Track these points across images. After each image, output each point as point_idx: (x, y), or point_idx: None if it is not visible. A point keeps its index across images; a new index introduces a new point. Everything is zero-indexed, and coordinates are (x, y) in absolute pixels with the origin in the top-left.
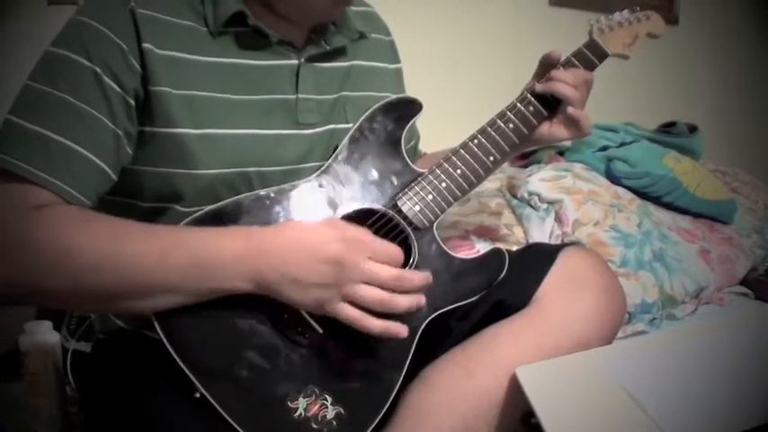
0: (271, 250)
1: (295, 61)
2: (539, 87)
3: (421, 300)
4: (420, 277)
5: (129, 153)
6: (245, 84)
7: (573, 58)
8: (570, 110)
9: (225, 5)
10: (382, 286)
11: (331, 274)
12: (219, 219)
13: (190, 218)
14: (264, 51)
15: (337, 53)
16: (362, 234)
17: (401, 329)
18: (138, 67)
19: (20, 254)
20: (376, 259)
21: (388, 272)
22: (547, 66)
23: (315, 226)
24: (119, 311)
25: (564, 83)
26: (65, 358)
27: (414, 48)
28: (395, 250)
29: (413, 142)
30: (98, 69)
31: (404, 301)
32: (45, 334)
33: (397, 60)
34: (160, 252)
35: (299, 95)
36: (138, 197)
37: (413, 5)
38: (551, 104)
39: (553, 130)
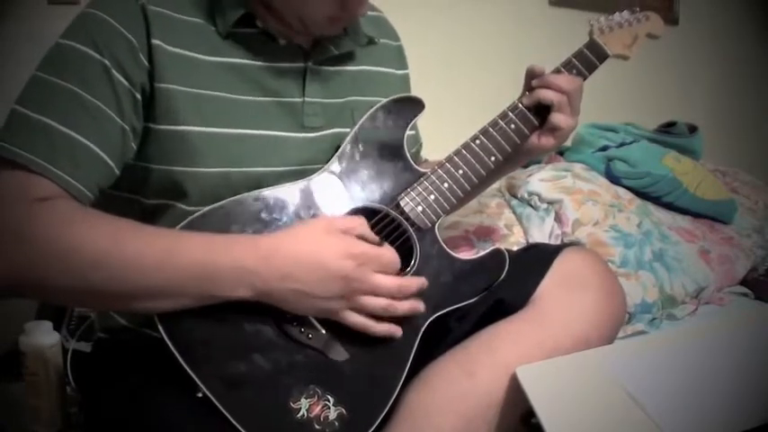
0: (278, 262)
1: (302, 64)
2: (524, 101)
3: (420, 304)
4: (417, 283)
5: (133, 148)
6: (251, 85)
7: (573, 59)
8: (553, 117)
9: (233, 7)
10: (385, 295)
11: (338, 289)
12: (221, 218)
13: (191, 217)
14: (272, 54)
15: (345, 57)
16: (367, 248)
17: (398, 330)
18: (146, 62)
19: (20, 248)
20: (380, 270)
21: (390, 283)
22: (531, 78)
23: (322, 239)
24: (120, 310)
25: (544, 88)
26: (65, 358)
27: (413, 48)
28: (394, 257)
29: (415, 149)
30: (107, 63)
31: (404, 306)
32: (45, 334)
33: (404, 66)
34: (163, 254)
35: (306, 99)
36: (141, 193)
37: (412, 5)
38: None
39: (542, 140)
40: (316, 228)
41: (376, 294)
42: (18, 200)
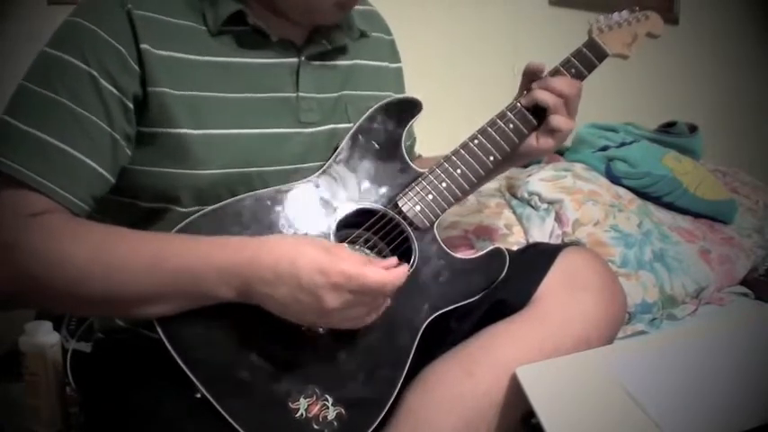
0: (258, 267)
1: (295, 59)
2: (523, 101)
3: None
4: (400, 273)
5: (127, 155)
6: (245, 83)
7: (573, 58)
8: (552, 119)
9: (224, 4)
10: (363, 305)
11: (310, 305)
12: (218, 220)
13: (189, 218)
14: (264, 50)
15: (338, 52)
16: (348, 266)
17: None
18: (136, 68)
19: (14, 263)
20: (357, 291)
21: (364, 297)
22: (530, 77)
23: (303, 250)
24: (116, 317)
25: (543, 90)
26: (65, 358)
27: (413, 48)
28: (377, 280)
29: (408, 143)
30: (95, 73)
31: (385, 305)
32: (45, 334)
33: (397, 60)
34: (150, 259)
35: (300, 94)
36: (138, 197)
37: (412, 5)
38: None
39: (540, 142)
40: (300, 239)
41: (353, 306)
42: (12, 215)
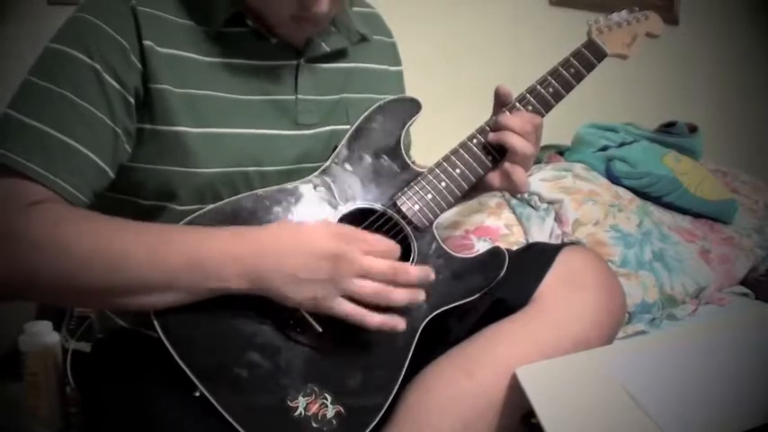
0: (266, 248)
1: (294, 62)
2: (491, 136)
3: (420, 294)
4: (417, 270)
5: (127, 150)
6: (244, 84)
7: (572, 58)
8: (507, 164)
9: (224, 6)
10: (378, 279)
11: (327, 270)
12: (217, 219)
13: (188, 218)
14: (264, 52)
15: (338, 55)
16: (357, 231)
17: (399, 323)
18: (138, 64)
19: (13, 250)
20: (371, 253)
21: (383, 264)
22: (499, 102)
23: (308, 223)
24: (116, 308)
25: (511, 131)
26: (65, 358)
27: (413, 48)
28: (390, 244)
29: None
30: (98, 67)
31: (400, 294)
32: (45, 334)
33: (398, 63)
34: (151, 248)
35: (299, 96)
36: (137, 195)
37: (412, 5)
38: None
39: (492, 179)
40: (302, 221)
41: (368, 278)
42: (12, 205)
